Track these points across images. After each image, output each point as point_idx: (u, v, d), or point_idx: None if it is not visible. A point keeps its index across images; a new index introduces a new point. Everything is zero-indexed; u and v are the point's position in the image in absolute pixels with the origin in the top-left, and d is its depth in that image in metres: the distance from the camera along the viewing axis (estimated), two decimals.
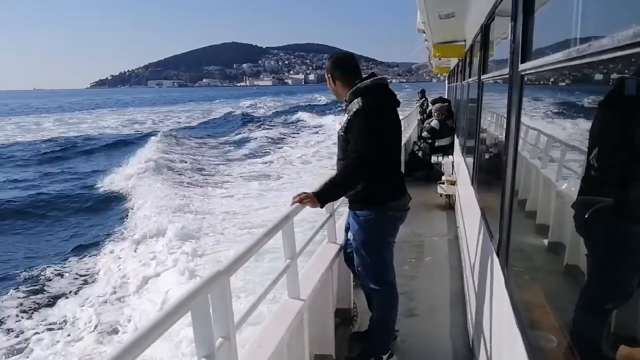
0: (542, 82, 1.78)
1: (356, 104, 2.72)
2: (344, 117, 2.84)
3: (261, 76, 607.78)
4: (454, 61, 10.54)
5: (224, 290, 1.54)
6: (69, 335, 6.05)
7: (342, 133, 2.81)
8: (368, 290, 3.10)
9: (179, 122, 42.28)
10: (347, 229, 3.15)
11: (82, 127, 38.54)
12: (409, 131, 11.40)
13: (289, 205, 2.57)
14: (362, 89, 2.78)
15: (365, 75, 2.87)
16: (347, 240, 3.17)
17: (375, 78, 2.86)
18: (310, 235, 2.94)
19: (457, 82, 9.55)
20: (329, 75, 2.92)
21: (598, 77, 1.21)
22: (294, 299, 2.46)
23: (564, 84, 1.60)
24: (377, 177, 2.75)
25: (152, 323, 1.17)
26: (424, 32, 7.20)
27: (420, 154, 9.73)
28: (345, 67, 2.91)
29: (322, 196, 2.62)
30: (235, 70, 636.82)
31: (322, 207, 2.66)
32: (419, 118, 14.56)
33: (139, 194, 12.92)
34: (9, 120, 47.69)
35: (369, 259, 2.90)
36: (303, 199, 2.56)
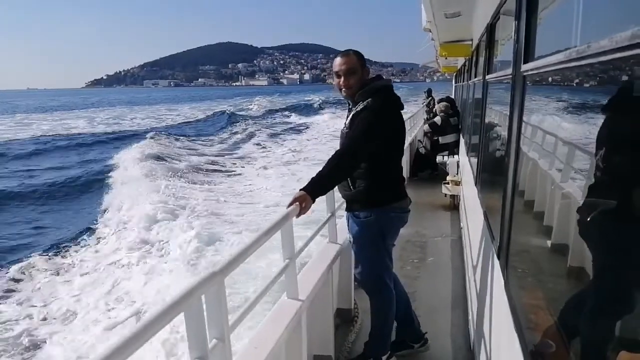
0: (543, 83, 1.75)
1: (366, 102, 2.67)
2: (350, 115, 2.76)
3: (257, 76, 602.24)
4: (460, 61, 10.48)
5: (218, 291, 1.53)
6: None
7: (347, 130, 2.74)
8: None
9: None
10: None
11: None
12: (414, 131, 11.35)
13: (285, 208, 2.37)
14: (377, 88, 2.72)
15: (372, 76, 2.80)
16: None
17: (385, 79, 2.82)
18: (310, 235, 2.91)
19: (463, 81, 9.50)
20: (353, 70, 2.69)
21: (600, 78, 1.18)
22: (292, 299, 2.44)
23: (566, 84, 1.58)
24: (378, 178, 2.72)
25: (143, 324, 1.16)
26: (430, 31, 7.16)
27: (422, 150, 9.71)
28: (366, 64, 2.79)
29: (312, 190, 2.42)
30: (230, 70, 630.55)
31: (313, 201, 2.42)
32: (425, 117, 14.51)
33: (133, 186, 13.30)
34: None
35: (368, 260, 2.85)
36: (297, 199, 2.36)
